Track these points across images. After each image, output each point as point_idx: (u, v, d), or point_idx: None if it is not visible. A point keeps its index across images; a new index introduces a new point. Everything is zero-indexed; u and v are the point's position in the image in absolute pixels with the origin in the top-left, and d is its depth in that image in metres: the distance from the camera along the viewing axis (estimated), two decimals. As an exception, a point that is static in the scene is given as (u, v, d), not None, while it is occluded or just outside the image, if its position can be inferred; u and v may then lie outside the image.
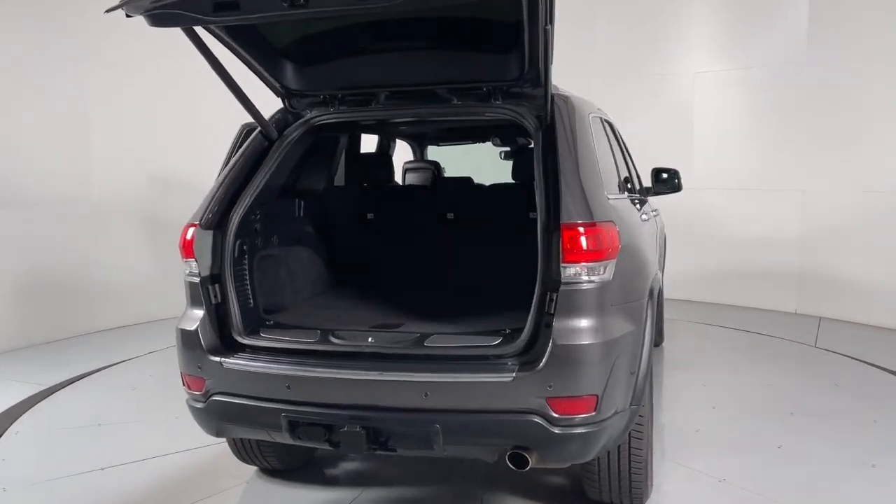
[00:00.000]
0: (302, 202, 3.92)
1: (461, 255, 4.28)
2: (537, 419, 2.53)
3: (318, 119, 3.33)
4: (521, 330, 2.66)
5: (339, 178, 4.78)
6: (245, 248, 3.16)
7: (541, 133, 2.93)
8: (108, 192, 6.98)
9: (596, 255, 2.60)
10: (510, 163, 4.65)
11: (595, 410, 2.57)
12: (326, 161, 4.33)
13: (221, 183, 3.12)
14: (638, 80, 8.17)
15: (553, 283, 2.61)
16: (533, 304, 2.64)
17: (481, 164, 6.65)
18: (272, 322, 3.16)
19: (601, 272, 2.62)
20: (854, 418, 4.35)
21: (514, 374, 2.55)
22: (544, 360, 2.53)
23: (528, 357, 2.60)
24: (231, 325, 2.95)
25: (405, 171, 5.85)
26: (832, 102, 6.96)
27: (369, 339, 2.88)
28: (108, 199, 6.99)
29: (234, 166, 3.18)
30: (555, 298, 2.60)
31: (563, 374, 2.54)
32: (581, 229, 2.59)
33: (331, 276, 4.14)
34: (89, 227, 6.85)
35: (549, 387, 2.52)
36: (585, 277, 2.59)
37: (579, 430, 2.56)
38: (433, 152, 6.38)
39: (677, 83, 8.10)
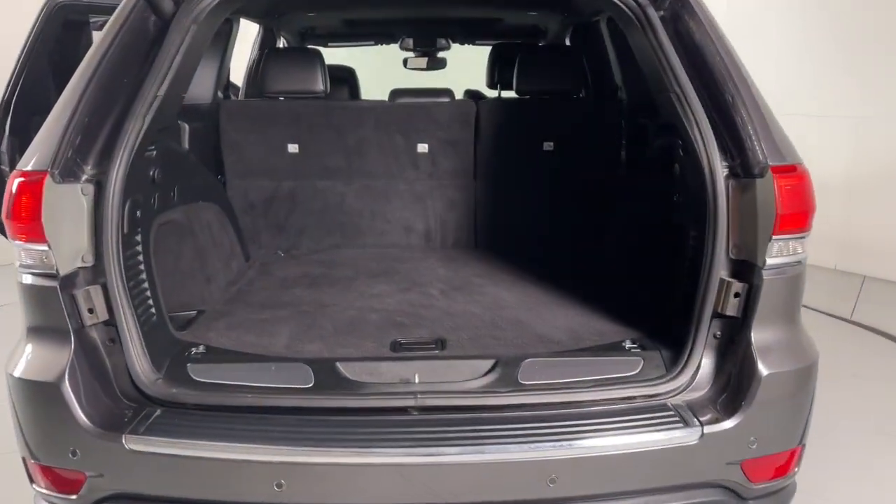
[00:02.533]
0: (186, 125, 2.71)
1: (459, 210, 3.15)
2: (724, 495, 1.78)
3: None
4: (645, 344, 1.88)
5: (229, 89, 3.57)
6: (138, 213, 1.96)
7: (659, 16, 2.00)
8: None
9: (802, 219, 1.77)
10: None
11: (797, 466, 1.85)
12: (215, 57, 3.09)
13: (82, 95, 1.82)
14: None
15: (745, 267, 1.77)
16: (700, 304, 1.78)
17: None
18: (201, 348, 2.02)
19: (803, 249, 1.80)
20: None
21: (700, 431, 1.68)
22: (746, 400, 1.70)
23: (707, 395, 1.77)
24: (131, 363, 1.77)
25: None
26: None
27: (415, 378, 1.79)
28: None
29: (100, 64, 1.88)
30: (745, 294, 1.75)
31: (773, 422, 1.76)
32: (791, 177, 1.75)
33: (244, 250, 2.94)
34: None
35: (752, 443, 1.74)
36: (795, 258, 1.77)
37: (774, 500, 1.85)
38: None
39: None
